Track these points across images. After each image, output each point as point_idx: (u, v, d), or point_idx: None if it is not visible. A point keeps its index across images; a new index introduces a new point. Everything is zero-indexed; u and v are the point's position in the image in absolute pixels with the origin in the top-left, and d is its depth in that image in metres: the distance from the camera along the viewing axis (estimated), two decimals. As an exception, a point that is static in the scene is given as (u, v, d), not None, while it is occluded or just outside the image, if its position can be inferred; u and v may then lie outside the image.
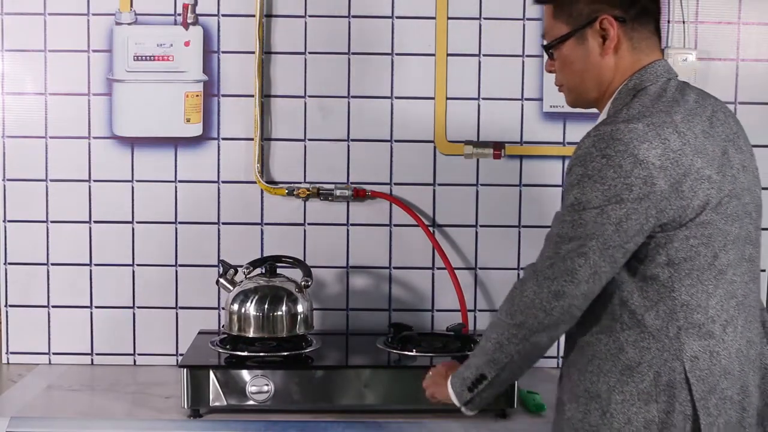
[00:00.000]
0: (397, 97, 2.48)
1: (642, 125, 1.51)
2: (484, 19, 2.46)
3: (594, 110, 1.74)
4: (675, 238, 1.52)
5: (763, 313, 1.67)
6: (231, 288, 2.22)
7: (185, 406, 2.05)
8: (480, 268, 2.51)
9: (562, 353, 1.73)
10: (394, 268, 2.51)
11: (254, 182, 2.47)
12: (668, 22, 2.48)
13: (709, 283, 1.54)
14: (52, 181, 2.47)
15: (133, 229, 2.49)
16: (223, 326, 2.25)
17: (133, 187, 2.48)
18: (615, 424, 1.55)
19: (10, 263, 2.49)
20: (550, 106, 2.47)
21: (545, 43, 1.72)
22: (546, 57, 1.74)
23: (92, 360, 2.51)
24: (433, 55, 2.47)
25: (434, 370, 1.88)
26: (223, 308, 2.28)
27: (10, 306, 2.49)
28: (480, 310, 2.51)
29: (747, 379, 1.58)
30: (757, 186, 1.65)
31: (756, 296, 1.65)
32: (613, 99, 1.64)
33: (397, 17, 2.46)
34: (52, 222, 2.48)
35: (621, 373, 1.55)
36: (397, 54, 2.47)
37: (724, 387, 1.54)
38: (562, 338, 1.67)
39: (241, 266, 2.27)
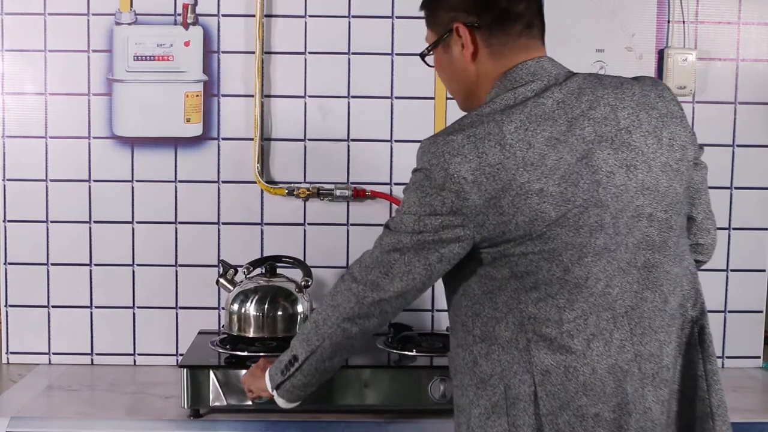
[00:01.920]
0: (397, 97, 2.48)
1: (461, 137, 1.46)
2: (484, 19, 2.46)
3: None
4: (509, 254, 1.47)
5: (693, 320, 1.57)
6: (231, 288, 2.22)
7: (185, 406, 2.05)
8: (480, 268, 2.51)
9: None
10: (394, 268, 2.51)
11: (254, 182, 2.47)
12: (668, 22, 2.48)
13: (561, 297, 1.47)
14: (52, 181, 2.47)
15: (133, 229, 2.49)
16: (223, 326, 2.25)
17: (133, 187, 2.48)
18: None
19: (10, 263, 2.49)
20: (550, 106, 2.46)
21: (421, 51, 1.72)
22: (426, 64, 1.73)
23: (92, 360, 2.51)
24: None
25: (254, 365, 1.87)
26: (223, 308, 2.29)
27: (10, 306, 2.49)
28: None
29: (628, 398, 1.48)
30: (672, 181, 1.52)
31: (662, 305, 1.53)
32: (482, 107, 1.58)
33: (397, 17, 2.46)
34: (52, 222, 2.48)
35: (476, 386, 1.54)
36: (397, 54, 2.47)
37: (582, 404, 1.47)
38: None
39: (241, 266, 2.27)
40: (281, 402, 1.76)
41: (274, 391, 1.74)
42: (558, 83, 1.53)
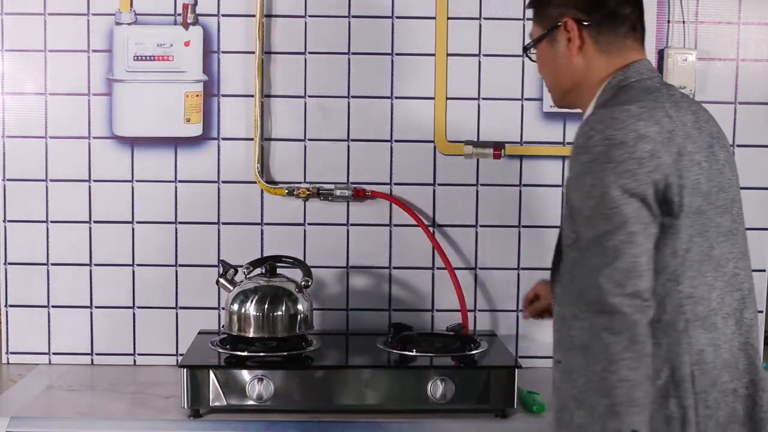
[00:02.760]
0: (397, 97, 2.48)
1: (635, 107, 1.53)
2: (484, 19, 2.46)
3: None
4: (678, 228, 1.51)
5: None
6: (231, 288, 2.22)
7: (185, 406, 2.05)
8: (480, 268, 2.51)
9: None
10: (394, 268, 2.51)
11: (254, 182, 2.47)
12: (668, 22, 2.48)
13: (709, 275, 1.54)
14: (52, 181, 2.47)
15: (133, 229, 2.49)
16: (223, 326, 2.25)
17: (133, 187, 2.48)
18: None
19: (10, 263, 2.49)
20: (550, 106, 2.46)
21: (526, 44, 1.79)
22: (530, 59, 1.79)
23: (92, 360, 2.51)
24: (433, 55, 2.47)
25: None
26: (223, 308, 2.29)
27: (10, 306, 2.49)
28: (480, 310, 2.51)
29: (759, 374, 1.58)
30: (738, 187, 1.66)
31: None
32: (598, 96, 1.66)
33: (397, 17, 2.46)
34: (52, 222, 2.48)
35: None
36: (397, 54, 2.47)
37: (724, 380, 1.54)
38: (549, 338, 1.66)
39: (241, 266, 2.27)
40: None
41: None
42: (669, 84, 1.68)
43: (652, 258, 1.49)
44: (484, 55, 2.47)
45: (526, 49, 1.78)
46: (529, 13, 1.84)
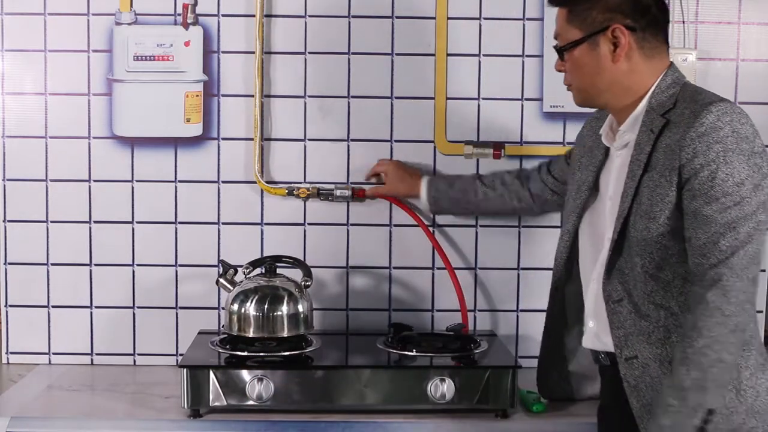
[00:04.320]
0: (397, 97, 2.47)
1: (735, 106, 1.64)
2: (484, 19, 2.46)
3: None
4: None
5: None
6: (231, 288, 2.22)
7: (185, 406, 2.05)
8: (480, 268, 2.51)
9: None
10: (394, 268, 2.51)
11: (254, 182, 2.47)
12: (668, 22, 2.47)
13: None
14: (52, 181, 2.47)
15: (133, 229, 2.49)
16: (223, 326, 2.25)
17: (133, 187, 2.48)
18: (749, 400, 1.61)
19: (10, 263, 2.49)
20: (550, 106, 2.46)
21: (558, 45, 1.80)
22: (557, 57, 1.82)
23: (92, 360, 2.51)
24: (433, 55, 2.46)
25: None
26: (223, 308, 2.28)
27: (10, 306, 2.49)
28: (480, 310, 2.51)
29: None
30: None
31: None
32: (653, 93, 1.72)
33: (397, 17, 2.46)
34: (52, 222, 2.48)
35: (742, 349, 1.60)
36: (397, 54, 2.47)
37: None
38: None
39: (241, 266, 2.27)
40: None
41: None
42: None
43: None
44: (484, 55, 2.47)
45: (561, 50, 1.79)
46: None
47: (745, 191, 1.56)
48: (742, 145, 1.57)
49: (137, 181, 2.48)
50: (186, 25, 2.44)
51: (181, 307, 2.50)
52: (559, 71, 1.84)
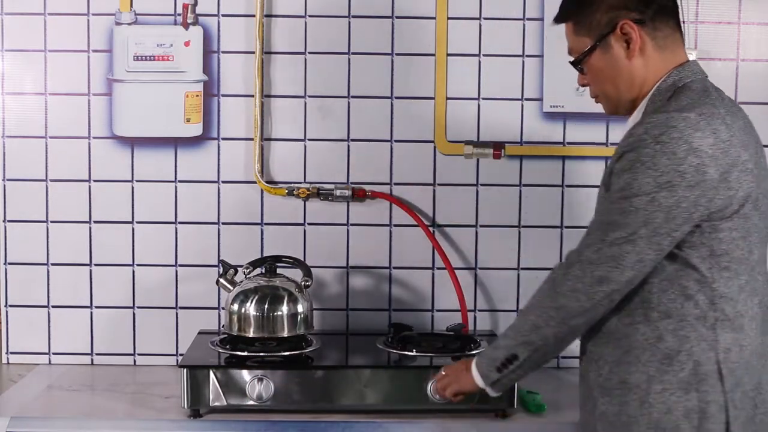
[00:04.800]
0: (397, 97, 2.47)
1: (694, 114, 1.53)
2: (484, 19, 2.46)
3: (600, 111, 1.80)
4: (719, 229, 1.54)
5: None
6: (231, 288, 2.21)
7: (185, 406, 2.05)
8: (480, 268, 2.51)
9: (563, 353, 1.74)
10: (394, 268, 2.51)
11: (254, 182, 2.47)
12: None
13: (743, 277, 1.57)
14: (52, 181, 2.47)
15: (133, 229, 2.49)
16: (223, 326, 2.25)
17: (133, 187, 2.48)
18: (654, 414, 1.56)
19: (10, 263, 2.49)
20: (550, 106, 2.47)
21: (572, 59, 1.75)
22: (579, 72, 1.76)
23: (92, 360, 2.51)
24: (433, 55, 2.46)
25: (448, 367, 1.88)
26: (223, 308, 2.28)
27: (10, 306, 2.49)
28: (480, 310, 2.51)
29: (762, 377, 1.60)
30: None
31: None
32: (651, 96, 1.66)
33: (397, 17, 2.46)
34: (52, 222, 2.48)
35: (660, 362, 1.57)
36: (397, 54, 2.47)
37: (746, 381, 1.57)
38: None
39: (241, 266, 2.27)
40: (493, 393, 1.77)
41: (489, 387, 1.75)
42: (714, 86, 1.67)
43: (644, 261, 1.54)
44: (484, 55, 2.47)
45: (576, 64, 1.73)
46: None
47: (638, 202, 1.51)
48: (660, 160, 1.51)
49: (137, 181, 2.48)
50: (186, 25, 2.44)
51: (181, 307, 2.50)
52: (584, 86, 1.78)
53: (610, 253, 1.54)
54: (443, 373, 1.89)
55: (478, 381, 1.75)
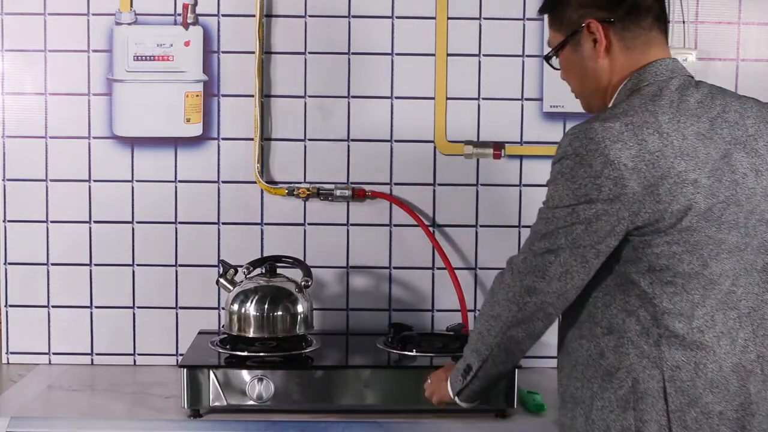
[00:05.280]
0: (397, 97, 2.48)
1: (619, 124, 1.48)
2: (484, 19, 2.46)
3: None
4: (654, 244, 1.48)
5: None
6: (231, 288, 2.21)
7: (185, 406, 2.05)
8: (480, 268, 2.51)
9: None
10: (394, 268, 2.51)
11: (254, 182, 2.47)
12: (668, 22, 2.47)
13: (696, 292, 1.49)
14: (52, 181, 2.47)
15: (133, 229, 2.49)
16: (223, 326, 2.25)
17: (133, 187, 2.48)
18: (596, 431, 1.54)
19: (10, 263, 2.49)
20: (550, 106, 2.47)
21: (546, 53, 1.73)
22: (552, 67, 1.74)
23: (92, 360, 2.51)
24: (433, 55, 2.47)
25: (433, 375, 1.89)
26: (223, 308, 2.29)
27: (10, 306, 2.49)
28: (480, 310, 2.51)
29: (752, 398, 1.51)
30: (764, 195, 1.56)
31: None
32: (614, 100, 1.63)
33: (397, 17, 2.46)
34: (52, 222, 2.48)
35: (602, 378, 1.54)
36: (397, 54, 2.47)
37: (708, 401, 1.49)
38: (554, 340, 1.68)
39: (241, 266, 2.27)
40: (463, 404, 1.78)
41: (456, 396, 1.76)
42: (692, 84, 1.59)
43: (570, 273, 1.52)
44: (484, 55, 2.47)
45: (547, 58, 1.72)
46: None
47: (559, 213, 1.51)
48: (578, 172, 1.48)
49: (137, 181, 2.48)
50: (186, 25, 2.44)
51: (181, 307, 2.50)
52: (564, 80, 1.75)
53: (535, 263, 1.53)
54: (429, 381, 1.90)
55: (449, 390, 1.77)
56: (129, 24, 2.43)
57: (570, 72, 1.70)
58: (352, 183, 2.48)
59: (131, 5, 2.44)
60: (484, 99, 2.48)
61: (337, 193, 2.46)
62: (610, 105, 1.63)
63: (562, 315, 1.63)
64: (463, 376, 1.71)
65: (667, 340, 1.50)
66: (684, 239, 1.48)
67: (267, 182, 2.48)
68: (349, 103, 2.48)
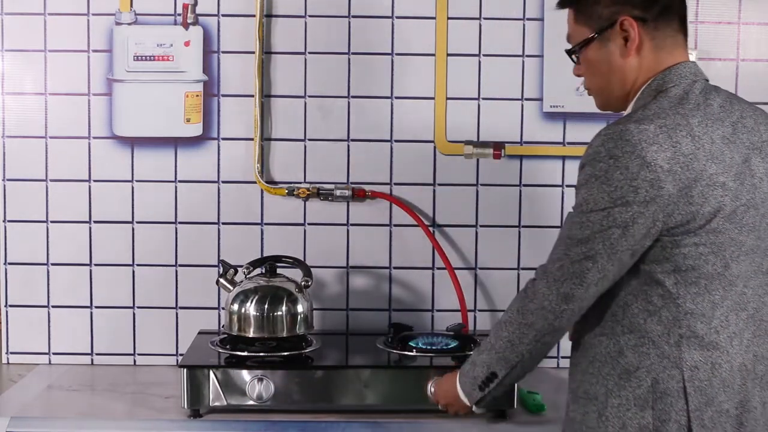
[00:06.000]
0: (397, 97, 2.48)
1: (653, 126, 1.49)
2: (484, 19, 2.46)
3: (603, 112, 1.77)
4: (683, 244, 1.50)
5: None
6: (231, 288, 2.21)
7: (185, 406, 2.05)
8: (480, 268, 2.51)
9: (563, 353, 1.74)
10: (394, 268, 2.51)
11: (254, 182, 2.47)
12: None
13: (717, 293, 1.52)
14: (52, 181, 2.47)
15: (133, 229, 2.49)
16: (223, 326, 2.25)
17: (133, 187, 2.48)
18: (610, 428, 1.55)
19: (10, 263, 2.49)
20: (550, 106, 2.47)
21: (568, 47, 1.72)
22: (573, 61, 1.73)
23: (92, 360, 2.51)
24: (433, 55, 2.47)
25: (440, 385, 1.88)
26: (223, 308, 2.29)
27: (10, 306, 2.49)
28: (480, 310, 2.51)
29: (748, 395, 1.55)
30: None
31: None
32: (636, 99, 1.63)
33: (397, 17, 2.46)
34: (52, 222, 2.48)
35: (619, 376, 1.55)
36: (397, 54, 2.47)
37: (721, 400, 1.52)
38: (565, 338, 1.68)
39: (241, 266, 2.27)
40: (480, 411, 1.79)
41: (474, 406, 1.75)
42: (713, 88, 1.60)
43: (607, 277, 1.52)
44: (484, 55, 2.47)
45: (572, 52, 1.70)
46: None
47: (594, 217, 1.50)
48: (613, 174, 1.48)
49: (137, 181, 2.48)
50: (186, 25, 2.44)
51: (181, 307, 2.50)
52: (578, 76, 1.74)
53: (572, 270, 1.53)
54: (434, 389, 1.91)
55: (464, 399, 1.76)
56: (129, 24, 2.43)
57: (593, 68, 1.68)
58: (352, 183, 2.48)
59: (131, 5, 2.44)
60: (484, 99, 2.48)
61: (337, 193, 2.46)
62: (632, 104, 1.63)
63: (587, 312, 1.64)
64: (484, 384, 1.70)
65: (687, 340, 1.51)
66: (711, 240, 1.50)
67: (267, 182, 2.48)
68: (349, 103, 2.48)
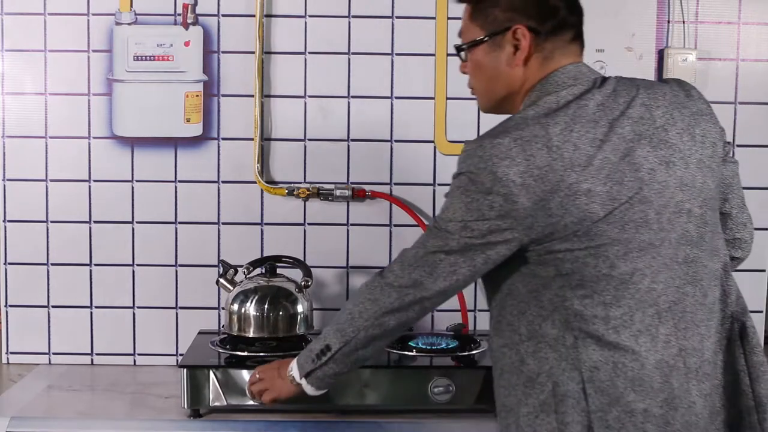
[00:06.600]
0: (397, 97, 2.48)
1: (508, 140, 1.49)
2: (484, 19, 2.46)
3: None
4: (555, 250, 1.49)
5: (733, 316, 1.60)
6: (231, 288, 2.22)
7: (185, 406, 2.05)
8: (480, 268, 2.51)
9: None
10: (394, 268, 2.51)
11: (254, 182, 2.47)
12: (668, 22, 2.48)
13: (607, 293, 1.49)
14: (52, 181, 2.47)
15: (133, 229, 2.49)
16: (223, 326, 2.25)
17: (133, 187, 2.48)
18: None
19: (10, 263, 2.49)
20: (550, 106, 2.46)
21: (458, 43, 1.70)
22: (460, 59, 1.72)
23: (92, 360, 2.51)
24: (433, 55, 2.47)
25: (263, 370, 1.89)
26: (223, 308, 2.29)
27: (10, 306, 2.49)
28: (480, 310, 2.51)
29: (675, 392, 1.50)
30: (706, 177, 1.55)
31: (702, 299, 1.55)
32: (523, 106, 1.62)
33: (397, 17, 2.46)
34: (52, 222, 2.48)
35: (524, 385, 1.55)
36: (397, 54, 2.47)
37: (630, 400, 1.48)
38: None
39: (241, 266, 2.27)
40: (309, 389, 1.77)
41: (303, 378, 1.75)
42: (596, 86, 1.56)
43: (457, 274, 1.55)
44: (484, 55, 2.47)
45: (459, 49, 1.69)
46: (458, 10, 1.76)
47: (453, 226, 1.53)
48: (470, 188, 1.50)
49: (137, 181, 2.48)
50: (186, 25, 2.44)
51: (181, 307, 2.50)
52: (463, 73, 1.72)
53: (426, 259, 1.57)
54: (258, 376, 1.89)
55: (294, 373, 1.77)
56: (129, 24, 2.43)
57: (479, 70, 1.67)
58: (352, 183, 2.48)
59: (131, 5, 2.44)
60: (484, 99, 2.48)
61: (337, 193, 2.46)
62: (522, 108, 1.61)
63: (489, 325, 1.65)
64: (317, 357, 1.72)
65: (583, 341, 1.50)
66: (585, 245, 1.48)
67: (267, 182, 2.48)
68: (349, 103, 2.48)
